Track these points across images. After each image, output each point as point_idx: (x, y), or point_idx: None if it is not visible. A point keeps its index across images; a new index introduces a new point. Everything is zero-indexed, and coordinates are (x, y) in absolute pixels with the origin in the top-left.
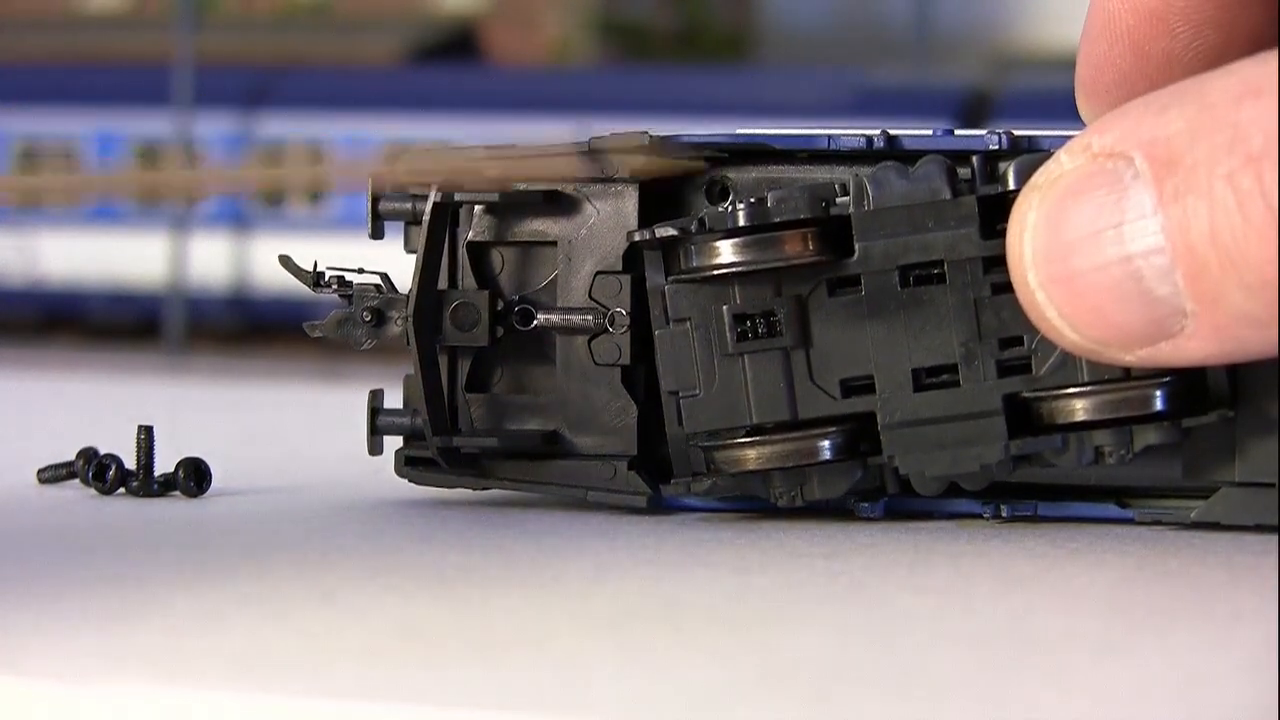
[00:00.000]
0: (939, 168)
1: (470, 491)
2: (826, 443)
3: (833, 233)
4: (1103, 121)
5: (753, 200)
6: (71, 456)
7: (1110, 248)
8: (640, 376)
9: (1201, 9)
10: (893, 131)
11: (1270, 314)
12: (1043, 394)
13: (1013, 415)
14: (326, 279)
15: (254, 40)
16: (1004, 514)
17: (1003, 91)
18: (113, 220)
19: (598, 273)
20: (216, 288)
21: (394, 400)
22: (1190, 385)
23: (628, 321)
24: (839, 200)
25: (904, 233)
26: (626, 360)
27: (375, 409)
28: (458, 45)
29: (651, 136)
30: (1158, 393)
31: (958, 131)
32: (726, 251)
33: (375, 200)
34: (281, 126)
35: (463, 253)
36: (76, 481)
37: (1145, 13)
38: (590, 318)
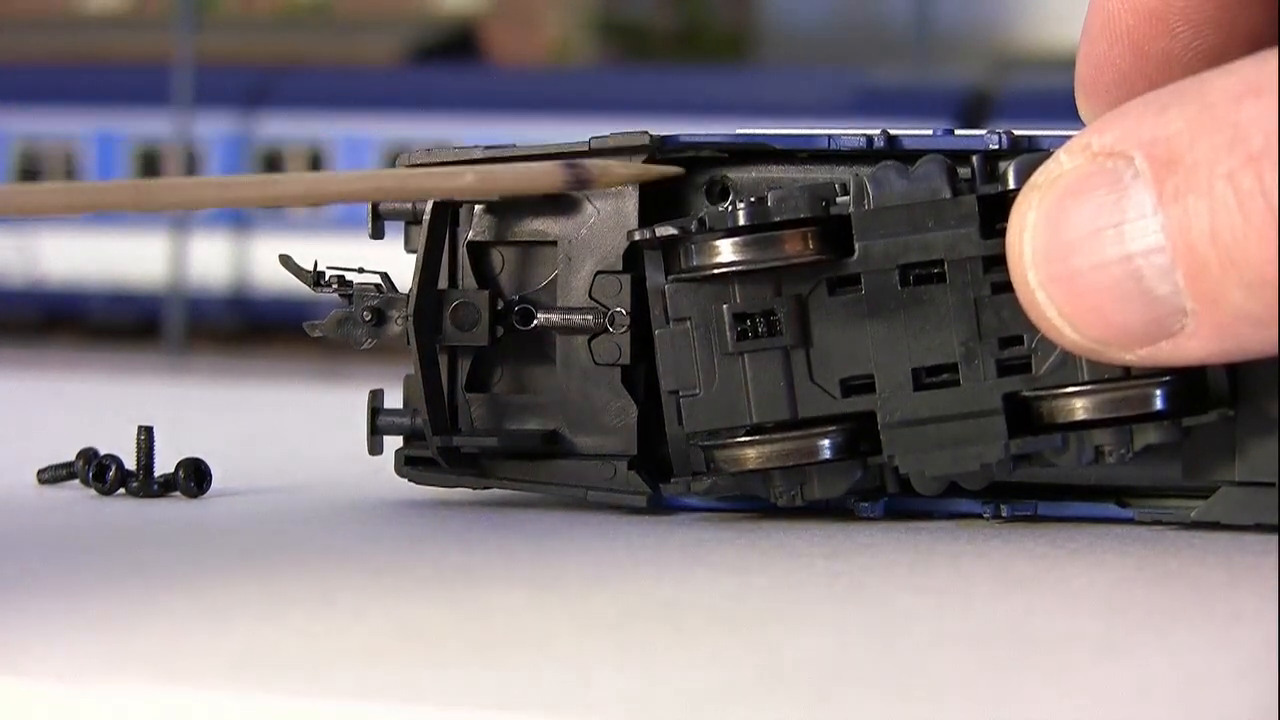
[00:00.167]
0: (939, 167)
1: (470, 491)
2: (826, 442)
3: (833, 232)
4: (1102, 121)
5: (753, 200)
6: (71, 457)
7: (1110, 247)
8: (640, 376)
9: (1201, 9)
10: (893, 131)
11: (1270, 313)
12: (1043, 393)
13: (1013, 415)
14: (326, 279)
15: (254, 40)
16: (1004, 514)
17: (1003, 91)
18: (112, 220)
19: (598, 272)
20: (216, 288)
21: (394, 400)
22: (1190, 385)
23: (628, 321)
24: (839, 200)
25: (904, 232)
26: (626, 360)
27: (375, 409)
28: (458, 45)
29: (651, 136)
30: (1158, 392)
31: (958, 131)
32: (727, 251)
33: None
34: (281, 126)
35: (463, 252)
36: (76, 482)
37: (1145, 13)
38: (590, 317)
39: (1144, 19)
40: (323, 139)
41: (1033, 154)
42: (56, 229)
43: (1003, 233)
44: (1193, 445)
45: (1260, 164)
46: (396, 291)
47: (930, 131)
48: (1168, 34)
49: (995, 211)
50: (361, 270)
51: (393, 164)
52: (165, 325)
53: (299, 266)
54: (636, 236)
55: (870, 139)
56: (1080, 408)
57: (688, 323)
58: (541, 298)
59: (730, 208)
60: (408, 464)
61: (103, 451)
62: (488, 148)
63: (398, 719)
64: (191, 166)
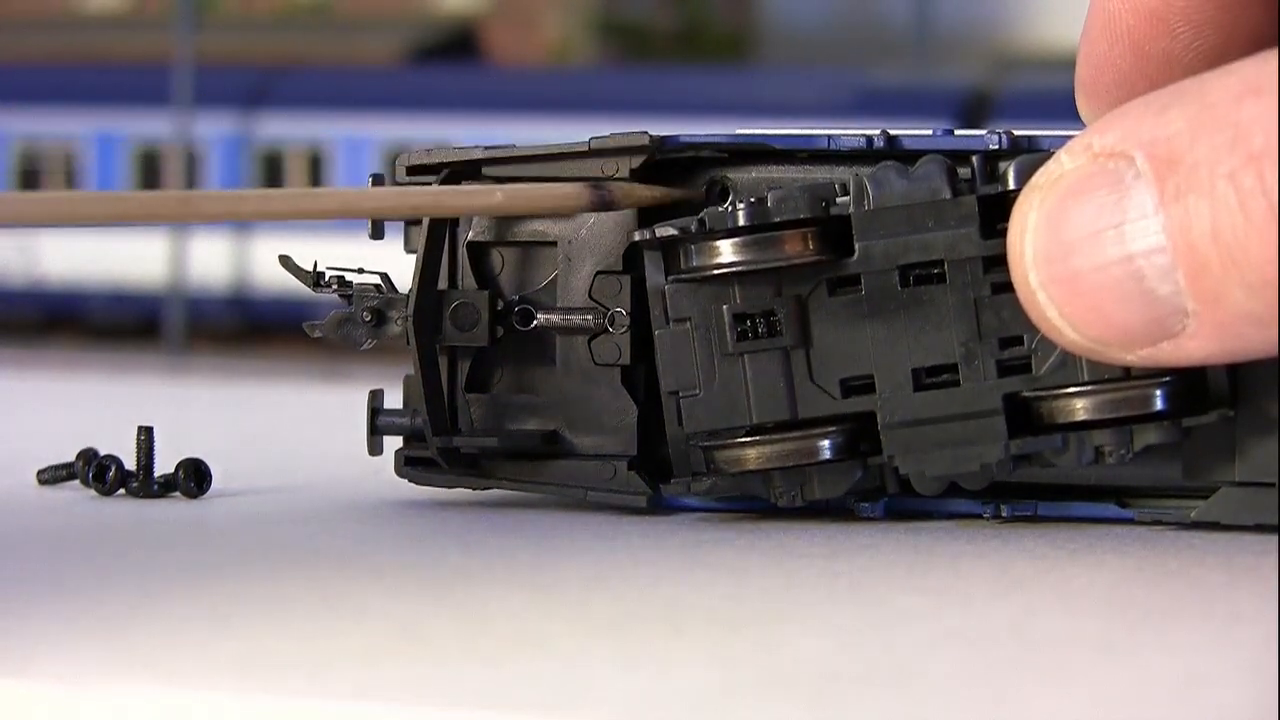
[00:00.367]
0: (939, 167)
1: (470, 491)
2: (826, 442)
3: (833, 232)
4: (1103, 121)
5: (753, 200)
6: (71, 457)
7: (1111, 247)
8: (640, 376)
9: (1201, 9)
10: (893, 131)
11: (1271, 313)
12: (1043, 394)
13: (1013, 415)
14: (326, 279)
15: (254, 40)
16: (1004, 514)
17: (1003, 91)
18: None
19: (598, 273)
20: (216, 288)
21: (394, 400)
22: (1190, 385)
23: (628, 321)
24: (839, 200)
25: (904, 232)
26: (626, 360)
27: (375, 409)
28: (458, 45)
29: (651, 136)
30: (1158, 392)
31: (958, 131)
32: (726, 251)
33: None
34: (281, 126)
35: (463, 253)
36: (76, 482)
37: (1145, 13)
38: (590, 318)
39: (1144, 19)
40: (323, 139)
41: (1033, 154)
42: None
43: (1003, 233)
44: (1193, 445)
45: (1261, 163)
46: (396, 292)
47: (930, 131)
48: (1168, 34)
49: (995, 212)
50: (361, 271)
51: (392, 164)
52: (165, 325)
53: (299, 267)
54: (636, 237)
55: (870, 139)
56: (1080, 408)
57: (688, 323)
58: (541, 298)
59: (730, 208)
60: (407, 464)
61: (103, 452)
62: (488, 148)
63: (397, 719)
64: (191, 167)
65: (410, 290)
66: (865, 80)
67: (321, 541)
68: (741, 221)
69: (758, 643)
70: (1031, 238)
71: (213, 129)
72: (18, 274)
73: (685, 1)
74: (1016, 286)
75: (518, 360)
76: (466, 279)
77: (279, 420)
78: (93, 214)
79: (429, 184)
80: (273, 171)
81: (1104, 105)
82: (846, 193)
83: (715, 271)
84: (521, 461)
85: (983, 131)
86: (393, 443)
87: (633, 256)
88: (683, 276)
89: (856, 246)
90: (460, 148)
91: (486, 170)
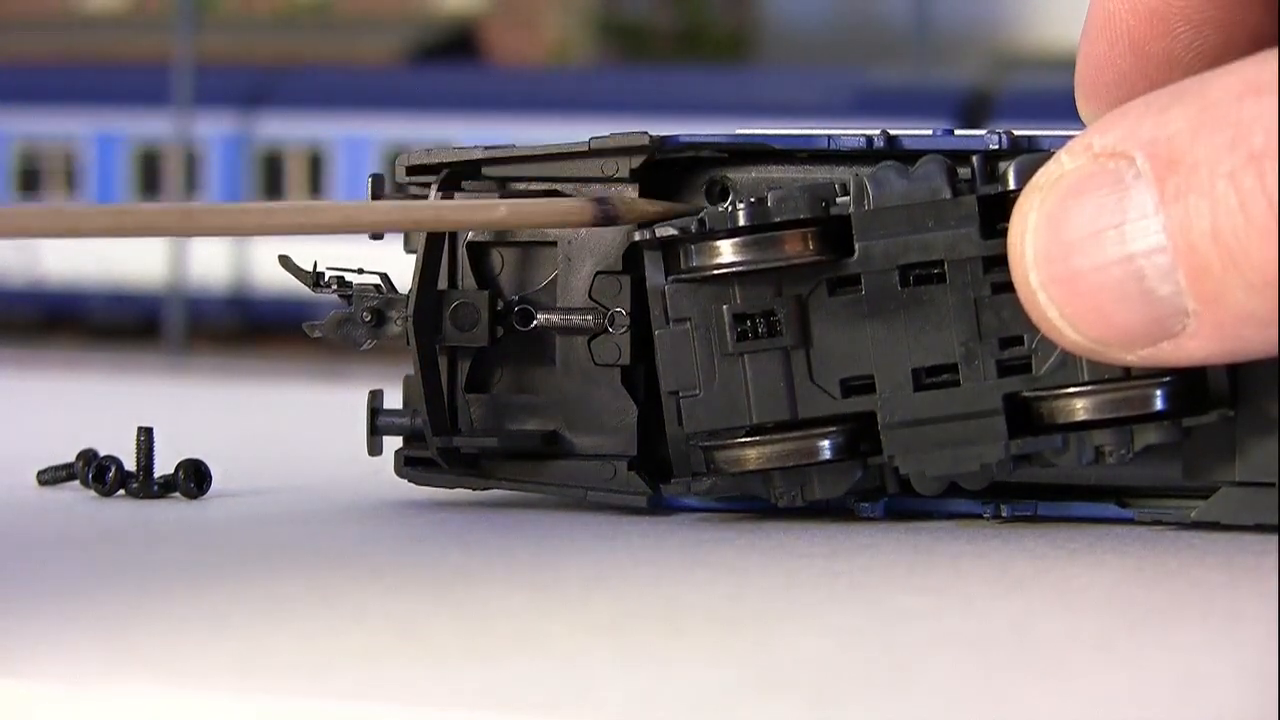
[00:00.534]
0: (939, 167)
1: (470, 491)
2: (827, 442)
3: (833, 232)
4: (1103, 121)
5: (753, 200)
6: (71, 458)
7: (1112, 247)
8: (640, 376)
9: (1201, 9)
10: (893, 131)
11: (1272, 313)
12: (1043, 394)
13: (1013, 415)
14: (326, 279)
15: (254, 40)
16: (1004, 514)
17: (1003, 91)
18: None
19: (598, 273)
20: (216, 288)
21: (394, 400)
22: (1190, 385)
23: (628, 321)
24: (839, 200)
25: (904, 232)
26: (626, 360)
27: (375, 409)
28: (458, 45)
29: (651, 136)
30: (1158, 392)
31: (958, 131)
32: (727, 251)
33: (376, 200)
34: (281, 126)
35: (463, 253)
36: (76, 483)
37: (1145, 13)
38: (590, 318)
39: (1144, 19)
40: (323, 139)
41: (1033, 154)
42: None
43: (1003, 233)
44: (1193, 445)
45: (1262, 163)
46: (396, 292)
47: (930, 131)
48: (1168, 34)
49: (995, 212)
50: (361, 271)
51: (392, 164)
52: (165, 325)
53: (298, 267)
54: (637, 237)
55: (870, 139)
56: (1080, 408)
57: (688, 323)
58: (541, 298)
59: (730, 208)
60: (407, 464)
61: (103, 452)
62: (488, 148)
63: (397, 719)
64: (191, 167)
65: (410, 290)
66: (865, 80)
67: (321, 542)
68: (741, 221)
69: (758, 643)
70: (1032, 238)
71: (213, 129)
72: (18, 274)
73: (685, 1)
74: (1017, 286)
75: (518, 360)
76: (466, 279)
77: (279, 420)
78: (94, 228)
79: (429, 184)
80: (273, 172)
81: (1104, 105)
82: (846, 193)
83: (715, 271)
84: (521, 461)
85: (983, 131)
86: (393, 443)
87: (633, 256)
88: (683, 276)
89: (856, 246)
90: (460, 148)
91: (486, 170)
